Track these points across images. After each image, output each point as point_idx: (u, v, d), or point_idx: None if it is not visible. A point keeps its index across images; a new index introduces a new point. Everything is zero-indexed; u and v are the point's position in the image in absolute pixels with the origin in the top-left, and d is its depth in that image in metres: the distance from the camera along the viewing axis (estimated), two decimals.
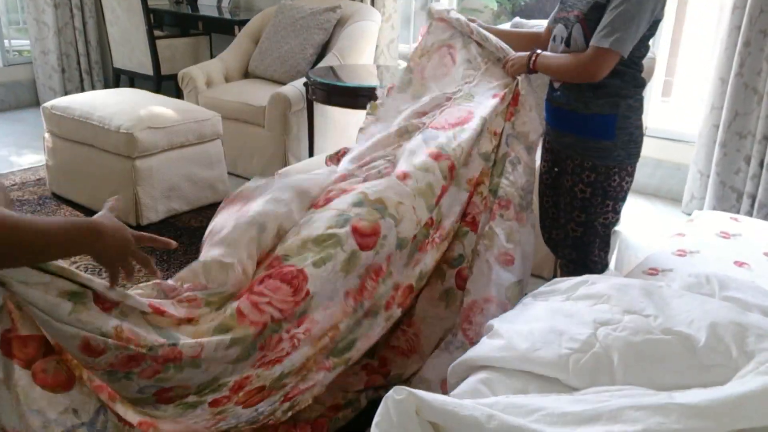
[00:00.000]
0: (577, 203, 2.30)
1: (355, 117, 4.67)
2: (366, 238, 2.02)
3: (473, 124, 2.35)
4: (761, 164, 3.88)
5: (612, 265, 2.88)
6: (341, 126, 4.57)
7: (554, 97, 2.31)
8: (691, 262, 2.20)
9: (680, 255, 2.25)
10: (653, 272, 2.14)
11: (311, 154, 4.29)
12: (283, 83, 4.49)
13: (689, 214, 4.19)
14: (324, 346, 1.97)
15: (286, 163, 4.32)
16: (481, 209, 2.36)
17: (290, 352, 1.88)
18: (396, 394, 1.34)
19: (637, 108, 2.21)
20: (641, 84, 2.20)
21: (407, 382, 2.48)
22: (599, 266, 2.39)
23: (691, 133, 4.32)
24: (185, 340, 1.68)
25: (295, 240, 2.03)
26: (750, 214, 3.90)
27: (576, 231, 2.35)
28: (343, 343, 2.03)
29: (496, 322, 1.63)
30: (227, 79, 4.94)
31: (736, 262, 2.22)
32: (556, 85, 2.28)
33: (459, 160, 2.28)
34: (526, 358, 1.47)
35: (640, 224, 3.99)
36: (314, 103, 4.16)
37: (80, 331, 1.49)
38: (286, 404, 1.97)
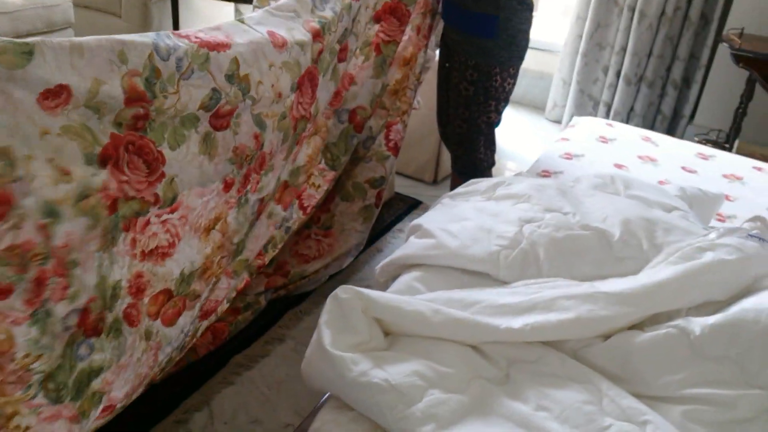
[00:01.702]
0: (461, 100, 2.39)
1: (224, 9, 4.44)
2: (219, 119, 1.77)
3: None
4: (618, 74, 4.14)
5: None
6: (208, 19, 4.33)
7: None
8: (578, 165, 2.35)
9: (567, 158, 2.40)
10: (546, 174, 2.27)
11: None
12: None
13: (553, 121, 4.44)
14: (221, 245, 1.91)
15: None
16: (402, 135, 2.51)
17: (173, 242, 1.75)
18: (342, 293, 1.36)
19: (521, 11, 2.28)
20: None
21: (306, 279, 2.54)
22: (485, 163, 2.51)
23: (557, 44, 4.51)
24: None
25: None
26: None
27: (461, 127, 2.45)
28: (241, 244, 2.01)
29: (423, 222, 1.68)
30: None
31: (615, 164, 2.40)
32: None
33: (331, 47, 2.12)
34: (458, 255, 1.53)
35: (508, 130, 4.17)
36: None
37: None
38: (204, 322, 1.97)
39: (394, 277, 1.66)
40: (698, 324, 1.31)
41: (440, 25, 2.57)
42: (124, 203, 1.54)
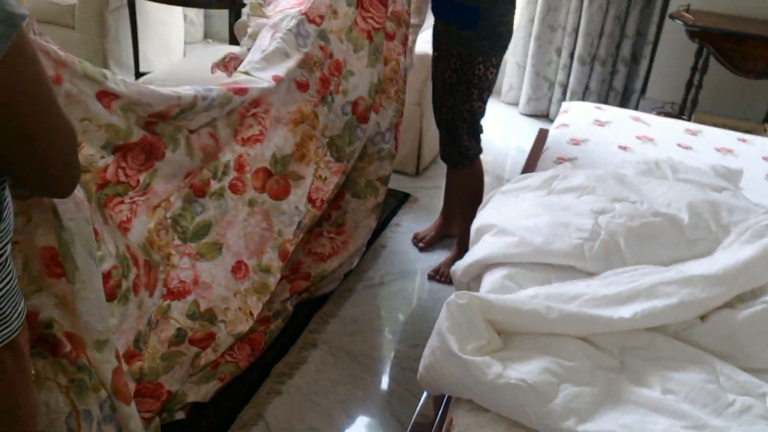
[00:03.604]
0: (446, 87, 2.47)
1: (175, 14, 4.31)
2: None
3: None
4: (571, 55, 4.29)
5: None
6: (161, 24, 4.19)
7: None
8: (588, 150, 2.45)
9: (575, 144, 2.49)
10: (561, 161, 2.35)
11: (137, 59, 3.90)
12: None
13: (509, 103, 4.56)
14: (160, 220, 2.02)
15: (107, 69, 3.88)
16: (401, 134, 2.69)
17: (130, 217, 1.91)
18: (459, 298, 1.39)
19: (502, 3, 2.36)
20: None
21: (325, 280, 2.55)
22: (471, 151, 2.59)
23: None
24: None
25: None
26: (561, 101, 4.33)
27: (447, 114, 2.53)
28: (194, 226, 2.11)
29: (494, 221, 1.72)
30: None
31: (620, 146, 2.51)
32: None
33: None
34: (544, 251, 1.59)
35: None
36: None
37: None
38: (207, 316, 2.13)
39: (474, 278, 1.69)
40: None
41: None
42: (112, 187, 1.77)
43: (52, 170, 0.93)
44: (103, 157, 1.68)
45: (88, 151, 1.63)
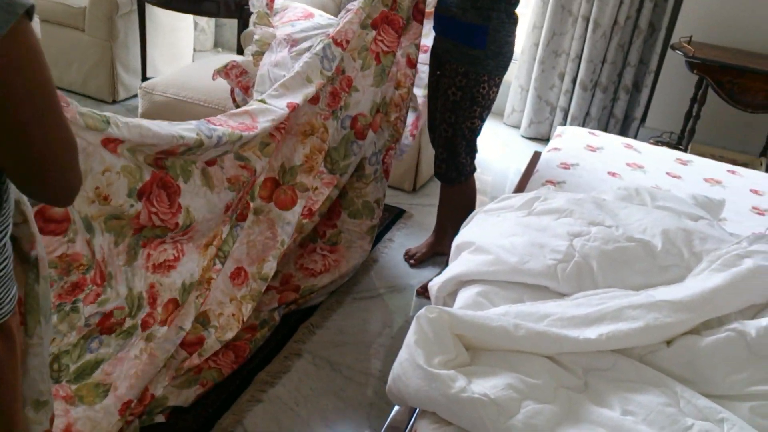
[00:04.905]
0: (449, 104, 2.51)
1: (185, 22, 4.39)
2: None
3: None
4: (573, 81, 4.34)
5: None
6: (171, 31, 4.27)
7: (441, 6, 2.48)
8: (576, 174, 2.49)
9: (565, 168, 2.53)
10: (550, 183, 2.39)
11: (144, 64, 3.97)
12: None
13: (511, 126, 4.60)
14: (213, 254, 2.11)
15: (114, 73, 3.97)
16: (392, 161, 2.77)
17: (179, 257, 1.97)
18: (428, 312, 1.42)
19: (508, 24, 2.43)
20: (513, 1, 2.41)
21: (314, 293, 2.59)
22: (467, 168, 2.65)
23: (515, 51, 4.66)
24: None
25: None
26: (563, 125, 4.37)
27: (447, 131, 2.57)
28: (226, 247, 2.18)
29: (473, 238, 1.76)
30: None
31: (609, 173, 2.55)
32: None
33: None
34: (518, 270, 1.62)
35: None
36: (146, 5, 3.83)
37: None
38: (201, 319, 2.16)
39: (450, 293, 1.73)
40: (753, 326, 1.45)
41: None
42: (150, 230, 1.80)
43: (49, 172, 0.92)
44: (132, 206, 1.70)
45: (117, 202, 1.65)
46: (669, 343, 1.48)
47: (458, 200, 2.73)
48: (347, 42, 2.37)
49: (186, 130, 1.76)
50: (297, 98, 2.20)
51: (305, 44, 2.47)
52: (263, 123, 2.05)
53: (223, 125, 1.91)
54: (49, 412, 1.46)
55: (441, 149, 2.64)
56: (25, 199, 1.28)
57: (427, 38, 2.72)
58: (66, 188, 0.97)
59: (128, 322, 1.84)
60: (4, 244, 1.03)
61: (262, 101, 2.16)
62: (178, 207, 1.85)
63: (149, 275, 1.90)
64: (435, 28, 2.59)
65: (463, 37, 2.42)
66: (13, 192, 1.07)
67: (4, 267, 1.03)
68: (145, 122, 1.66)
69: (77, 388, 1.80)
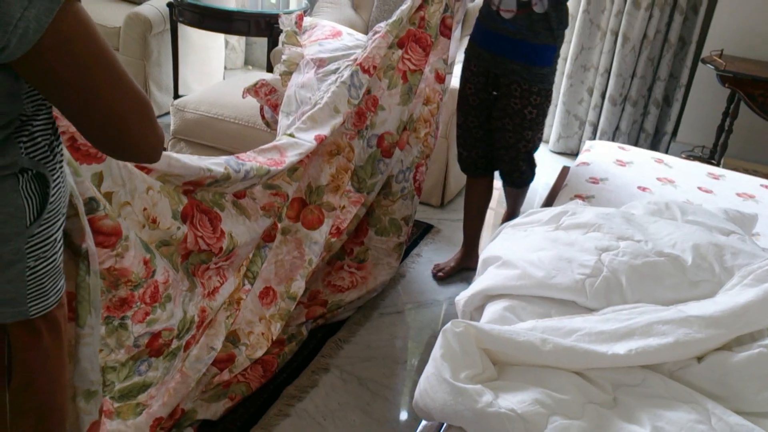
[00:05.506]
0: (525, 123, 2.55)
1: (216, 41, 4.46)
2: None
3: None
4: (603, 95, 4.31)
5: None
6: (203, 50, 4.34)
7: (502, 27, 2.45)
8: (606, 189, 2.47)
9: (594, 182, 2.51)
10: (579, 197, 2.37)
11: (176, 82, 4.04)
12: (137, 2, 4.14)
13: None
14: (242, 275, 2.17)
15: (147, 91, 4.04)
16: (424, 177, 2.74)
17: (222, 282, 2.01)
18: (455, 327, 1.42)
19: (562, 39, 2.53)
20: (567, 19, 2.48)
21: (341, 309, 2.59)
22: (530, 176, 2.73)
23: None
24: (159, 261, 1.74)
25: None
26: (592, 140, 4.35)
27: (527, 146, 2.62)
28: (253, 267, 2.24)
29: (500, 253, 1.75)
30: None
31: (639, 187, 2.52)
32: (507, 16, 2.39)
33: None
34: (545, 284, 1.61)
35: None
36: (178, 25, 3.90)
37: None
38: (231, 338, 2.19)
39: (477, 308, 1.72)
40: None
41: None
42: (196, 255, 1.83)
43: (130, 130, 0.98)
44: (179, 228, 1.75)
45: (165, 224, 1.70)
46: (700, 359, 1.46)
47: (521, 198, 2.94)
48: (374, 68, 2.40)
49: (214, 164, 1.79)
50: (325, 130, 2.23)
51: (332, 66, 2.49)
52: (291, 157, 2.08)
53: (252, 161, 1.94)
54: (98, 402, 1.52)
55: (519, 162, 2.65)
56: (77, 192, 1.33)
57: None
58: (147, 144, 1.03)
59: (174, 344, 1.87)
60: (58, 239, 1.07)
61: (291, 135, 2.18)
62: (221, 232, 1.90)
63: (201, 300, 1.95)
64: (494, 49, 2.51)
65: (535, 58, 2.45)
66: (67, 185, 1.11)
67: (55, 260, 1.08)
68: (174, 154, 1.70)
69: (119, 407, 1.82)
